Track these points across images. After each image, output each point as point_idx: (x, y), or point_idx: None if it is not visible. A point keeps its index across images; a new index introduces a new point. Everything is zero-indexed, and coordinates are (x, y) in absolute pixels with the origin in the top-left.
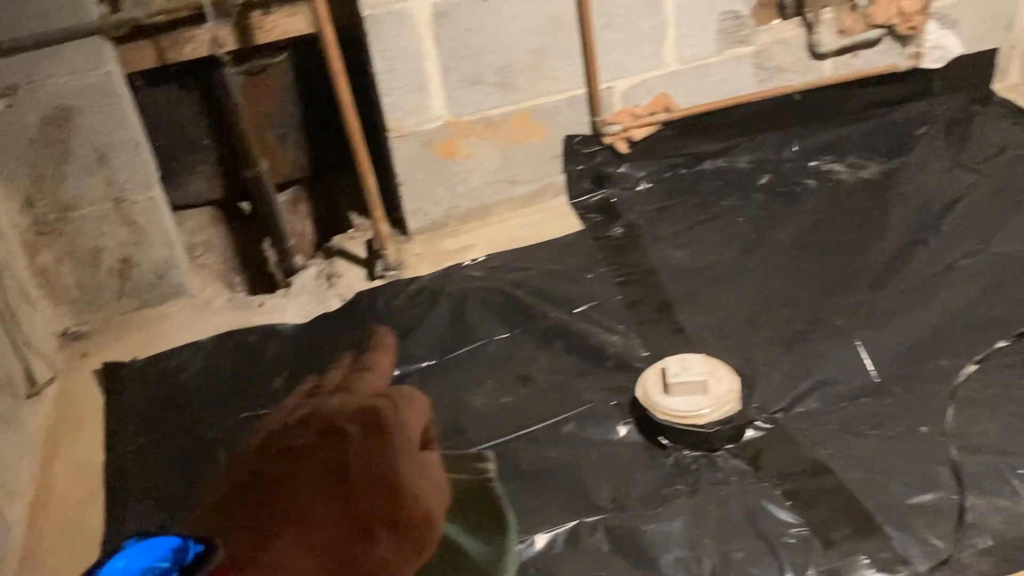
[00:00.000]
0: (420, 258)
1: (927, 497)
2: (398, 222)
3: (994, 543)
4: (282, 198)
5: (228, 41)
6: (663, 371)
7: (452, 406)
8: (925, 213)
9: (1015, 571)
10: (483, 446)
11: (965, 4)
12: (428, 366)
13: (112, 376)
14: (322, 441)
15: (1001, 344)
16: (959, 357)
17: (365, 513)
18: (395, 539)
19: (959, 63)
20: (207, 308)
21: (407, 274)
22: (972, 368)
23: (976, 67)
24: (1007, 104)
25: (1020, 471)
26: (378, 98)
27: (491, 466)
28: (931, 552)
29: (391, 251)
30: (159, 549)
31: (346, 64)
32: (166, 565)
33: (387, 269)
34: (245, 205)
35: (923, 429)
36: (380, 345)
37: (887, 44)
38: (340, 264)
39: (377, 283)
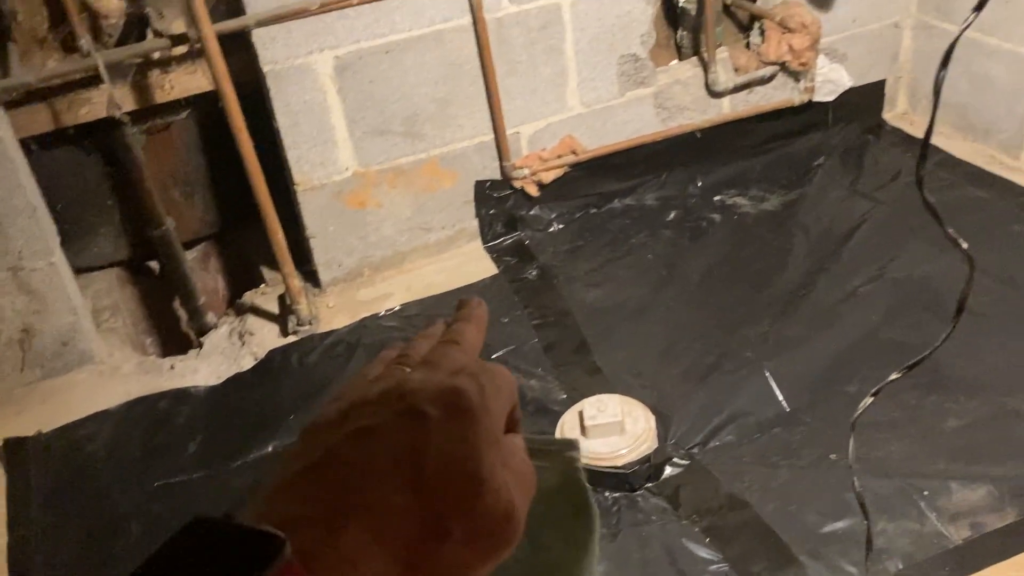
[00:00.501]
0: (335, 310)
1: (839, 524)
2: (312, 274)
3: (904, 565)
4: (191, 255)
5: (126, 102)
6: (580, 413)
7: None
8: (826, 241)
9: None
10: None
11: (852, 39)
12: None
13: (14, 452)
14: (400, 423)
15: (894, 376)
16: (864, 382)
17: (440, 506)
18: (472, 535)
19: (850, 95)
20: (115, 374)
21: (322, 328)
22: (869, 400)
23: (866, 98)
24: (897, 132)
25: (926, 492)
26: (284, 152)
27: (578, 455)
28: None
29: (303, 305)
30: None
31: (254, 117)
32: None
33: (300, 324)
34: (154, 264)
35: (832, 456)
36: (470, 316)
37: (781, 80)
38: (253, 321)
39: (291, 339)
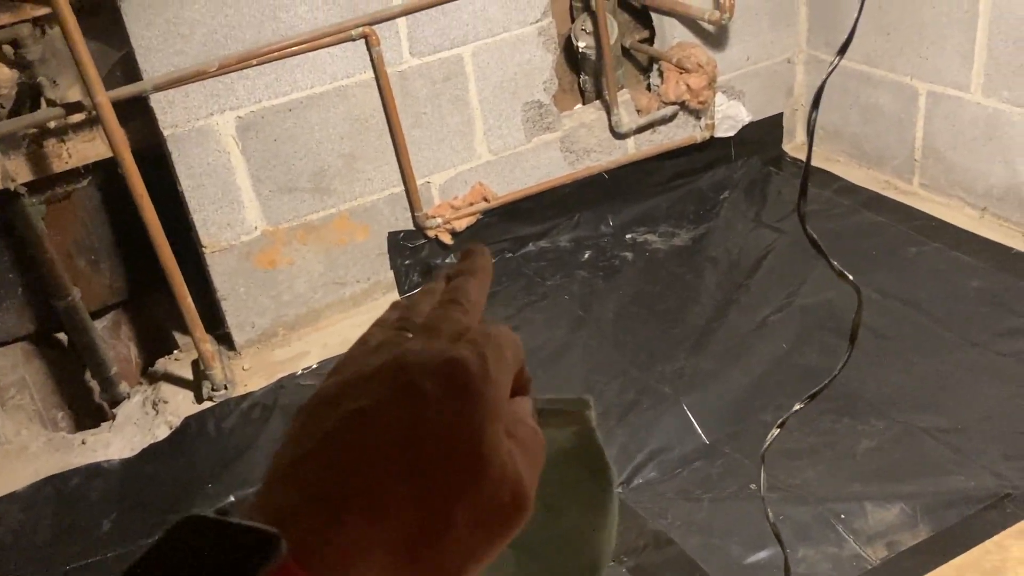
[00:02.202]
0: (250, 373)
1: (762, 555)
2: (227, 337)
3: None
4: (101, 324)
5: (22, 172)
6: None
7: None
8: (735, 273)
9: None
10: None
11: (747, 76)
12: None
13: None
14: (396, 401)
15: (798, 407)
16: (779, 410)
17: (441, 492)
18: (477, 519)
19: (750, 129)
20: (23, 454)
21: (238, 391)
22: (776, 431)
23: (766, 132)
24: (797, 163)
25: (843, 516)
26: (190, 215)
27: (592, 413)
28: None
29: (218, 370)
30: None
31: (160, 179)
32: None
33: (215, 389)
34: (62, 336)
35: (753, 487)
36: (472, 269)
37: (683, 119)
38: (167, 389)
39: (207, 405)
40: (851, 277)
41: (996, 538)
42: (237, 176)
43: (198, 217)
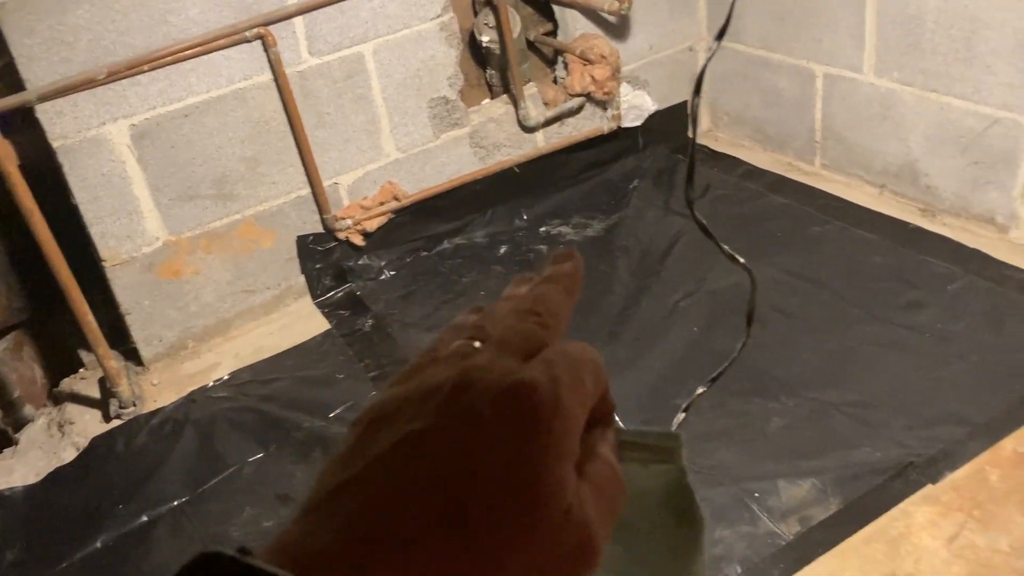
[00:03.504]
0: (160, 388)
1: None
2: (134, 352)
3: (743, 569)
4: (2, 346)
5: None
6: None
7: (209, 544)
8: (647, 261)
9: None
10: None
11: (651, 65)
12: (180, 504)
13: None
14: (452, 428)
15: (700, 390)
16: (692, 394)
17: (493, 538)
18: (533, 572)
19: (657, 118)
20: None
21: (147, 408)
22: (682, 416)
23: (672, 120)
24: (704, 149)
25: (756, 494)
26: (86, 228)
27: (683, 451)
28: None
29: (124, 387)
30: None
31: (55, 193)
32: None
33: (123, 407)
34: None
35: None
36: (556, 277)
37: (590, 110)
38: (72, 409)
39: (115, 424)
40: (742, 260)
41: (901, 505)
42: (134, 186)
43: (95, 230)
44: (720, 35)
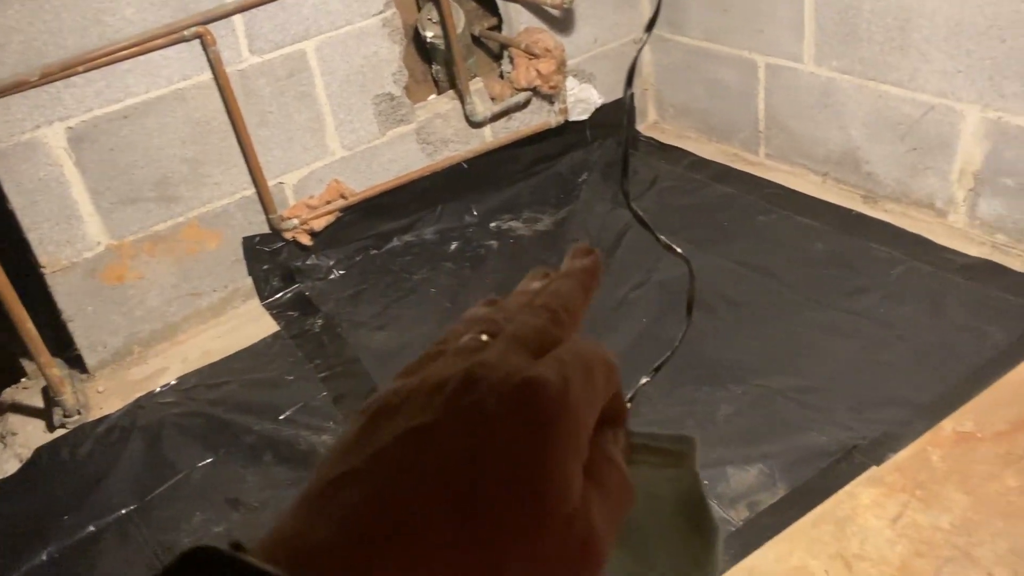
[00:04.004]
0: (106, 395)
1: None
2: (78, 359)
3: None
4: None
5: None
6: None
7: (159, 551)
8: None
9: None
10: None
11: (596, 59)
12: (128, 512)
13: None
14: (458, 421)
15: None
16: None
17: (495, 539)
18: (534, 574)
19: (604, 111)
20: None
21: (93, 415)
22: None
23: (619, 113)
24: (651, 141)
25: (706, 481)
26: (24, 234)
27: (696, 455)
28: None
29: (68, 395)
30: None
31: None
32: None
33: (68, 415)
34: None
35: None
36: (573, 273)
37: (536, 104)
38: (15, 420)
39: (60, 433)
40: (680, 251)
41: (847, 487)
42: (73, 190)
43: (33, 236)
44: (650, 26)
